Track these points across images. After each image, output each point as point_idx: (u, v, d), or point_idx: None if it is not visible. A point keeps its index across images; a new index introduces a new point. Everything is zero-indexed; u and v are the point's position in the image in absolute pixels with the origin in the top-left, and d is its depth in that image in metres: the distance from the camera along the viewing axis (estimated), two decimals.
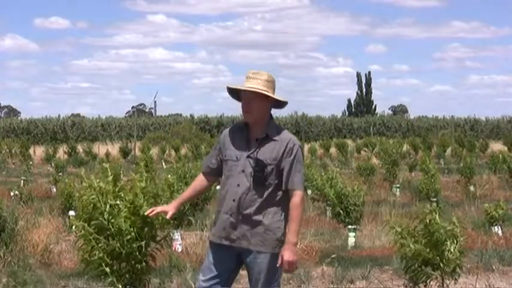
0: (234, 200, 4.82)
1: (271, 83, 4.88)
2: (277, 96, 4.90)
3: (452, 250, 6.71)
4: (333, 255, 8.99)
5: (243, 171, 4.81)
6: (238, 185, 4.82)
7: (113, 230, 5.54)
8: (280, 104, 4.96)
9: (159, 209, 5.16)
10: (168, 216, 5.11)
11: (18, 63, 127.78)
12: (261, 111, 4.85)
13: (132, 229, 5.53)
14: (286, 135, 4.86)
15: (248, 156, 4.82)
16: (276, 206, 4.80)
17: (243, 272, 8.77)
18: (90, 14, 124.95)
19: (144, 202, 5.59)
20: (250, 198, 4.78)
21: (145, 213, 5.31)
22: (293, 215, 4.77)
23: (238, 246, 4.83)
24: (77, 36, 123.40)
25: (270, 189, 4.79)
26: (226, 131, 5.04)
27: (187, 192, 5.20)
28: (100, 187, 5.63)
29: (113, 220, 5.55)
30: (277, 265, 4.74)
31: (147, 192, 5.63)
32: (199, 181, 5.12)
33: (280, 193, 4.81)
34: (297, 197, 4.78)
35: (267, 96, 4.84)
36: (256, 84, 4.82)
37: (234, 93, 4.95)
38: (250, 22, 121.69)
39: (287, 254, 4.71)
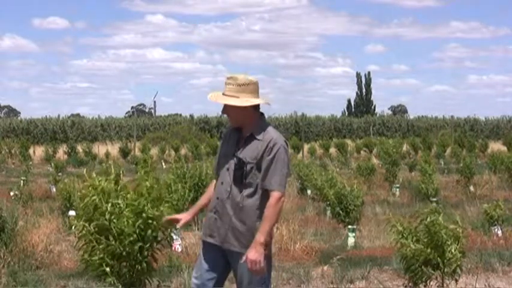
0: (217, 198, 4.86)
1: (245, 86, 4.82)
2: (253, 95, 4.82)
3: (453, 251, 6.72)
4: (338, 257, 8.87)
5: (228, 169, 4.84)
6: (222, 183, 4.86)
7: (114, 231, 5.55)
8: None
9: (171, 217, 5.18)
10: (179, 225, 5.12)
11: (18, 63, 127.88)
12: (238, 116, 4.85)
13: (134, 229, 5.54)
14: (269, 135, 4.81)
15: (233, 155, 4.85)
16: (258, 207, 4.77)
17: None
18: (88, 14, 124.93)
19: (148, 203, 5.60)
20: (232, 197, 4.79)
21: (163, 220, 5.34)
22: (266, 214, 4.71)
23: (222, 247, 4.84)
24: (76, 36, 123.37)
25: (250, 189, 4.77)
26: (226, 132, 5.08)
27: (203, 198, 5.16)
28: (102, 186, 5.63)
29: (115, 220, 5.56)
30: (241, 261, 4.71)
31: (151, 193, 5.64)
32: (213, 185, 5.09)
33: (261, 194, 4.77)
34: (272, 198, 4.72)
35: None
36: (228, 91, 4.83)
37: None
38: (249, 22, 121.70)
39: (251, 253, 4.66)
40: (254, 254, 4.66)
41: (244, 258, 4.69)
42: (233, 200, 4.79)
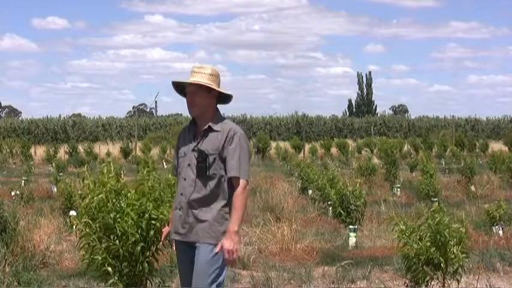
0: (182, 194, 4.87)
1: (215, 77, 4.92)
2: (220, 88, 4.94)
3: (455, 251, 6.70)
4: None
5: (189, 164, 4.87)
6: (185, 179, 4.87)
7: (118, 230, 5.53)
8: (226, 99, 5.00)
9: (164, 235, 5.30)
10: (163, 237, 5.28)
11: (18, 63, 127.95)
12: (205, 104, 4.89)
13: (137, 229, 5.53)
14: (228, 125, 4.88)
15: (193, 150, 4.88)
16: (222, 198, 4.81)
17: (244, 272, 8.79)
18: (88, 14, 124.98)
19: (150, 204, 5.59)
20: (196, 191, 4.81)
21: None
22: (235, 203, 4.75)
23: (189, 241, 4.84)
24: (75, 36, 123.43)
25: (214, 180, 4.80)
26: (180, 132, 5.11)
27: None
28: (111, 184, 5.61)
29: (119, 220, 5.54)
30: (215, 251, 4.71)
31: (152, 193, 5.63)
32: None
33: (225, 184, 4.81)
34: (239, 185, 4.77)
35: (210, 90, 4.88)
36: (200, 78, 4.87)
37: (181, 90, 4.99)
38: (248, 22, 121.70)
39: (227, 243, 4.69)
40: (230, 243, 4.70)
41: (218, 248, 4.70)
42: (198, 193, 4.81)
